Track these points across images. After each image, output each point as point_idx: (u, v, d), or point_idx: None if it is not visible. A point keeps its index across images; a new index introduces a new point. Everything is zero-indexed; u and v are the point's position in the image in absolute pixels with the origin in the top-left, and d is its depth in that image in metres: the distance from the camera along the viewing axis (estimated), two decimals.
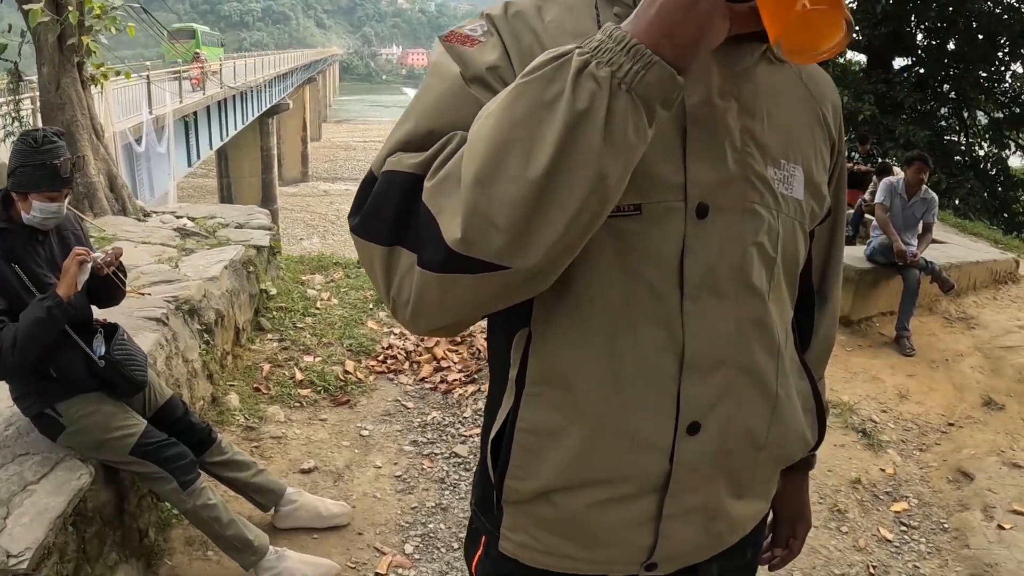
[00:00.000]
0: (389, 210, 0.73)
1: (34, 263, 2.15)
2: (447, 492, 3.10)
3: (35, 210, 2.12)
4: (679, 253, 0.81)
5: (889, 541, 3.15)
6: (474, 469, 3.15)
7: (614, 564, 0.92)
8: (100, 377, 2.21)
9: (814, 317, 1.08)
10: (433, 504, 2.99)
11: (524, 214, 0.64)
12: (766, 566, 1.25)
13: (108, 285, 2.27)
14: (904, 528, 3.28)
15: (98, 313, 2.39)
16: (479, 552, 1.01)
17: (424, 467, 3.26)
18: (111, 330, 2.33)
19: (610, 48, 0.64)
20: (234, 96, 23.68)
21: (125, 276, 2.37)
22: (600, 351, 0.82)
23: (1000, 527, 3.18)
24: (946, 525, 3.32)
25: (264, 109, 29.94)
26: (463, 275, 0.68)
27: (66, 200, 2.21)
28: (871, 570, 2.93)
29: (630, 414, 0.83)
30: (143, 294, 3.36)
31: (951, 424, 4.37)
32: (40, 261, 2.18)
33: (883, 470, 3.71)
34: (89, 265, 2.12)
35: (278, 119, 33.54)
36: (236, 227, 5.28)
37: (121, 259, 2.28)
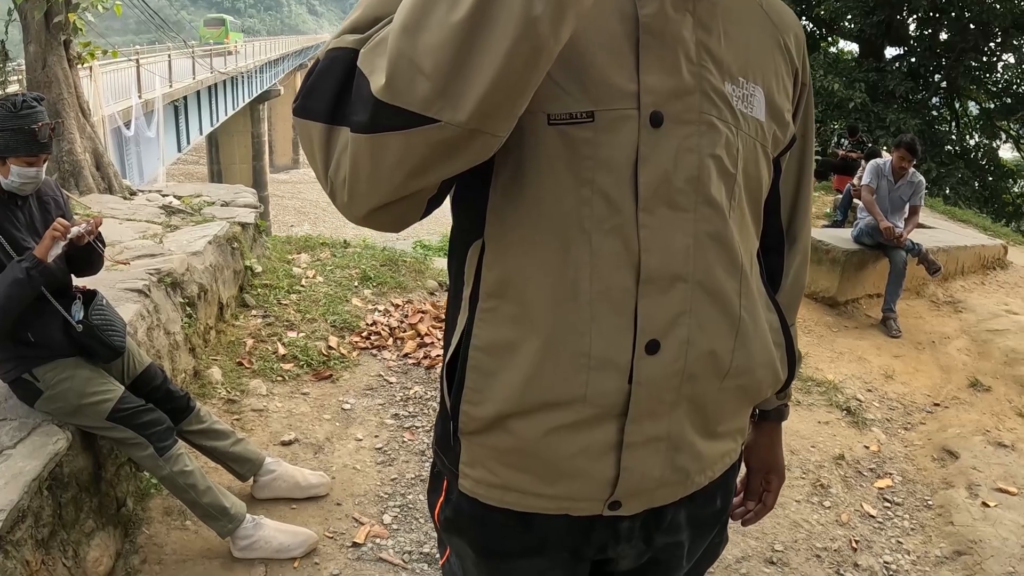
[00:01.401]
0: (329, 85, 0.70)
1: (13, 227, 2.13)
2: (427, 464, 3.08)
3: (13, 175, 2.10)
4: (633, 162, 0.79)
5: (872, 517, 3.15)
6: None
7: (576, 500, 0.89)
8: (78, 342, 2.19)
9: (783, 257, 1.06)
10: (413, 476, 2.98)
11: (450, 58, 0.61)
12: (739, 522, 1.22)
13: (87, 253, 2.26)
14: (888, 504, 3.28)
15: (80, 283, 2.37)
16: (441, 498, 0.98)
17: (405, 440, 3.25)
18: (90, 296, 2.30)
19: None
20: (224, 81, 23.51)
21: (104, 246, 2.35)
22: (553, 261, 0.80)
23: (984, 504, 3.18)
24: (930, 502, 3.32)
25: (255, 95, 29.76)
26: (392, 132, 0.65)
27: (44, 164, 2.19)
28: (853, 544, 2.93)
29: (585, 329, 0.80)
30: (123, 263, 3.33)
31: (936, 404, 4.39)
32: (19, 225, 2.15)
33: (867, 447, 3.71)
34: (62, 243, 2.10)
35: (269, 105, 33.36)
36: (222, 205, 5.23)
37: (100, 229, 2.25)
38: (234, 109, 26.17)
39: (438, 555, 1.02)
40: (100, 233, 2.28)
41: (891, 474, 3.54)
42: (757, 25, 0.91)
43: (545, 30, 0.61)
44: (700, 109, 0.81)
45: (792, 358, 0.99)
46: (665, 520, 0.96)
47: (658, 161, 0.79)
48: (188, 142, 20.48)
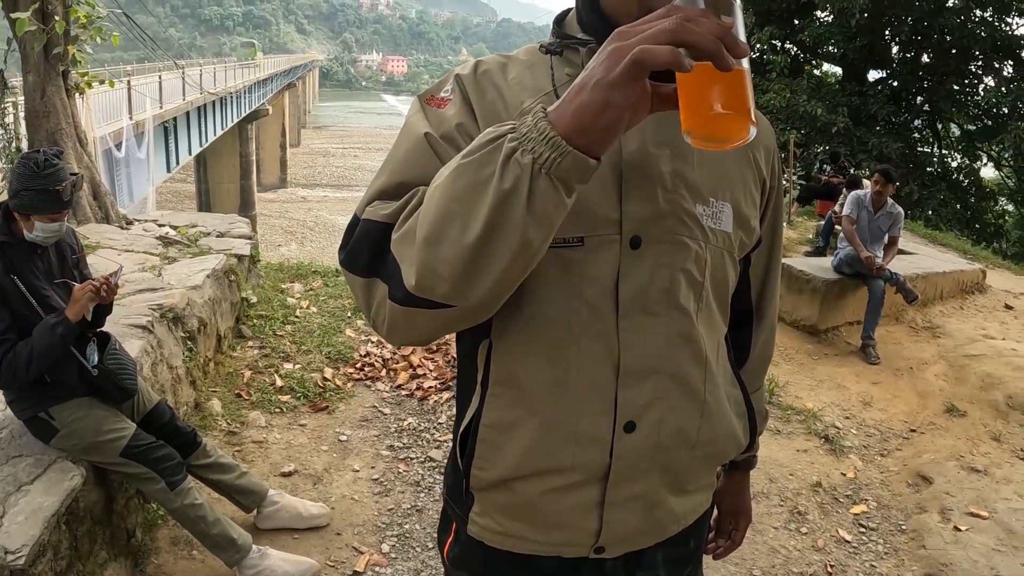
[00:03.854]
0: (366, 251, 0.88)
1: (33, 276, 2.25)
2: (422, 494, 3.20)
3: (38, 230, 2.23)
4: (615, 278, 0.94)
5: (847, 542, 3.28)
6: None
7: (566, 546, 1.04)
8: (92, 383, 2.31)
9: (752, 332, 1.23)
10: (409, 506, 3.10)
11: (463, 269, 0.78)
12: (711, 556, 1.37)
13: (107, 306, 2.41)
14: (863, 530, 3.41)
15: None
16: (450, 538, 1.14)
17: (400, 471, 3.36)
18: (103, 339, 2.42)
19: (534, 138, 0.75)
20: (214, 102, 23.65)
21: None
22: (547, 359, 0.95)
23: (956, 528, 3.31)
24: (904, 527, 3.45)
25: (244, 115, 29.89)
26: (421, 309, 0.83)
27: (66, 218, 2.31)
28: (829, 569, 3.06)
29: (574, 413, 0.96)
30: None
31: (913, 430, 4.52)
32: (39, 274, 2.27)
33: (844, 474, 3.85)
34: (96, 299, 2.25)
35: (257, 125, 33.48)
36: (217, 236, 5.35)
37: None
38: (223, 129, 26.30)
39: None
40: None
41: (867, 500, 3.67)
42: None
43: (537, 247, 0.79)
44: (673, 231, 0.96)
45: (754, 425, 1.15)
46: (644, 560, 1.11)
47: (636, 276, 0.94)
48: (177, 162, 20.58)
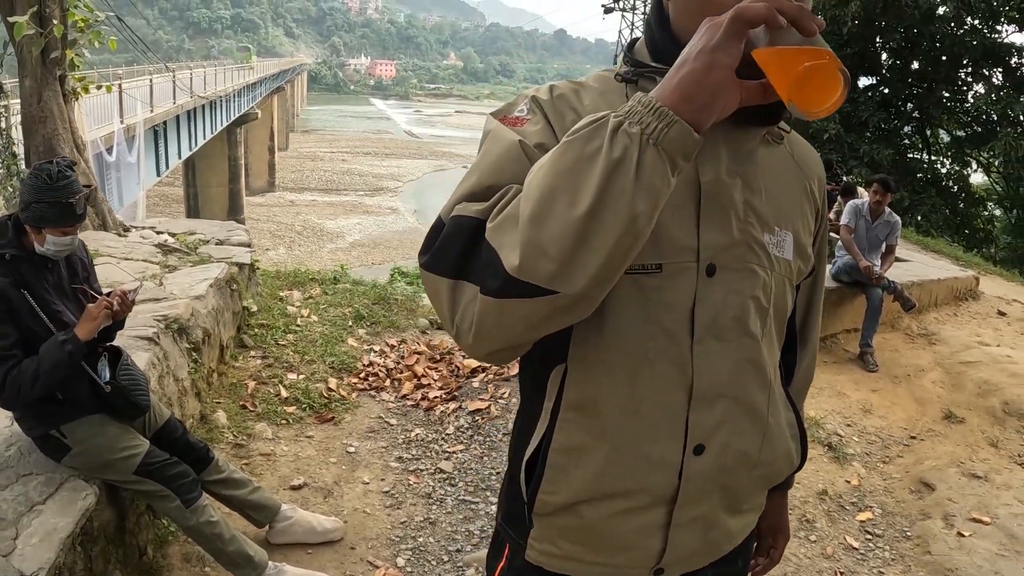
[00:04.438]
0: (456, 248, 0.86)
1: (43, 290, 2.21)
2: (434, 507, 3.20)
3: (49, 243, 2.18)
4: (691, 304, 0.97)
5: (855, 549, 3.31)
6: (484, 485, 3.22)
7: (627, 568, 1.06)
8: (104, 400, 2.28)
9: (797, 355, 1.25)
10: (422, 519, 3.09)
11: (571, 245, 0.76)
12: (751, 574, 1.39)
13: (119, 322, 2.37)
14: (869, 536, 3.44)
15: None
16: (502, 564, 1.15)
17: (411, 483, 3.36)
18: (114, 353, 2.39)
19: (639, 111, 0.78)
20: (203, 105, 23.55)
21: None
22: (624, 384, 0.97)
23: (960, 534, 3.35)
24: (909, 533, 3.49)
25: (233, 118, 29.79)
26: (519, 299, 0.80)
27: (78, 231, 2.28)
28: (839, 574, 3.08)
29: (646, 437, 0.98)
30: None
31: (913, 437, 4.56)
32: (48, 287, 2.24)
33: (848, 481, 3.87)
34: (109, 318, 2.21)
35: (246, 128, 33.37)
36: (216, 243, 5.33)
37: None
38: (212, 133, 26.20)
39: None
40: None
41: (871, 507, 3.70)
42: (789, 175, 1.10)
43: (643, 225, 0.78)
44: (745, 259, 0.99)
45: (804, 446, 1.17)
46: None
47: (711, 303, 0.97)
48: (167, 166, 20.48)
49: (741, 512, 1.12)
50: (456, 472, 3.51)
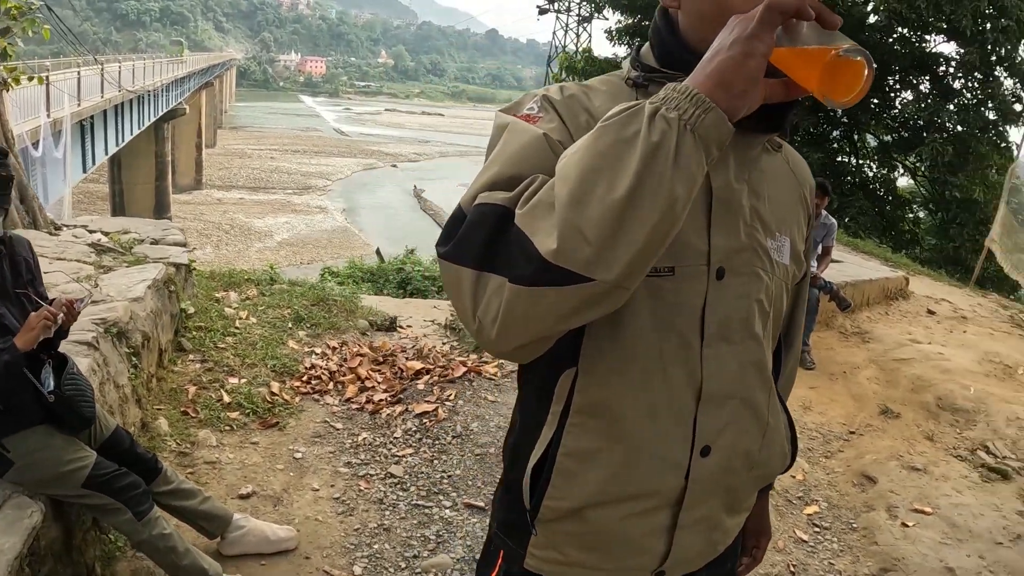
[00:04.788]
0: (480, 236, 0.83)
1: None
2: (387, 512, 3.13)
3: None
4: (701, 307, 0.98)
5: (805, 542, 3.38)
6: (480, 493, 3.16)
7: (631, 572, 1.06)
8: (48, 410, 2.14)
9: (783, 357, 1.27)
10: (375, 525, 3.02)
11: (610, 229, 0.75)
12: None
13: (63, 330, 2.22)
14: (817, 529, 3.53)
15: None
16: (494, 572, 1.13)
17: (361, 488, 3.28)
18: (59, 361, 2.25)
19: (675, 97, 0.78)
20: (132, 100, 22.78)
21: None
22: (638, 387, 0.97)
23: (904, 525, 3.47)
24: (854, 525, 3.58)
25: (161, 113, 28.92)
26: (550, 287, 0.78)
27: (2, 219, 2.15)
28: (792, 568, 3.14)
29: (658, 438, 0.99)
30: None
31: (852, 432, 4.69)
32: None
33: (793, 476, 3.96)
34: (53, 328, 2.07)
35: (173, 124, 32.45)
36: (152, 243, 5.13)
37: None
38: (140, 128, 25.40)
39: None
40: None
41: (817, 500, 3.79)
42: (787, 183, 1.12)
43: (680, 209, 0.78)
44: (751, 263, 1.01)
45: (795, 446, 1.19)
46: None
47: (720, 306, 0.99)
48: (94, 162, 19.76)
49: (739, 512, 1.15)
50: (407, 476, 3.45)
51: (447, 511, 3.23)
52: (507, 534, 1.10)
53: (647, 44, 1.07)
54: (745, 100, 0.79)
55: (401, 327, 5.55)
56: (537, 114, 0.97)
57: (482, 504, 3.27)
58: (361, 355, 4.68)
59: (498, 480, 1.18)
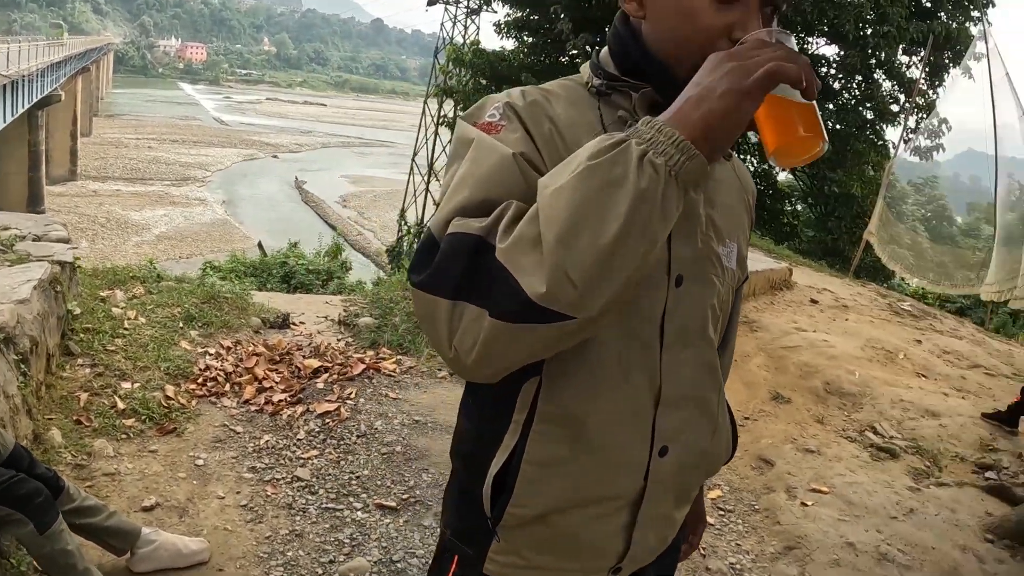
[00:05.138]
0: (457, 267, 0.83)
1: None
2: (298, 518, 3.06)
3: None
4: (661, 313, 1.02)
5: (712, 525, 3.52)
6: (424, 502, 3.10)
7: (590, 571, 1.09)
8: None
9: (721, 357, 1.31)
10: (287, 532, 2.95)
11: (596, 273, 0.77)
12: None
13: None
14: (722, 512, 3.68)
15: None
16: None
17: (269, 494, 3.20)
18: None
19: (662, 141, 0.79)
20: (5, 85, 21.25)
21: None
22: (603, 394, 1.00)
23: (803, 504, 3.66)
24: (757, 506, 3.75)
25: (35, 100, 27.12)
26: (534, 324, 0.80)
27: None
28: (702, 551, 3.26)
29: (620, 442, 1.02)
30: None
31: (747, 418, 4.90)
32: None
33: None
34: None
35: (47, 112, 30.49)
36: (34, 239, 4.81)
37: None
38: (14, 115, 23.74)
39: None
40: None
41: (720, 485, 3.94)
42: (735, 190, 1.17)
43: (658, 249, 0.81)
44: (706, 270, 1.06)
45: (736, 439, 1.26)
46: (644, 575, 1.18)
47: (678, 312, 1.03)
48: None
49: (686, 504, 1.20)
50: (315, 479, 3.38)
51: (359, 513, 3.19)
52: (464, 540, 1.11)
53: (606, 50, 1.08)
54: (725, 148, 0.84)
55: (294, 324, 5.42)
56: (499, 122, 0.96)
57: (393, 504, 3.25)
58: (257, 354, 4.55)
59: (446, 484, 1.19)
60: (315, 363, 4.46)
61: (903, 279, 12.50)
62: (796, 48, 0.85)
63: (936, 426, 4.73)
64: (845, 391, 5.09)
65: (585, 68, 1.09)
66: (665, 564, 1.25)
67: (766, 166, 16.34)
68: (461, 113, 1.06)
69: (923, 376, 5.84)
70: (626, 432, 1.02)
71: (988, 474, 4.25)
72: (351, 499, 3.27)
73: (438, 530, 3.15)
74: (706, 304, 1.07)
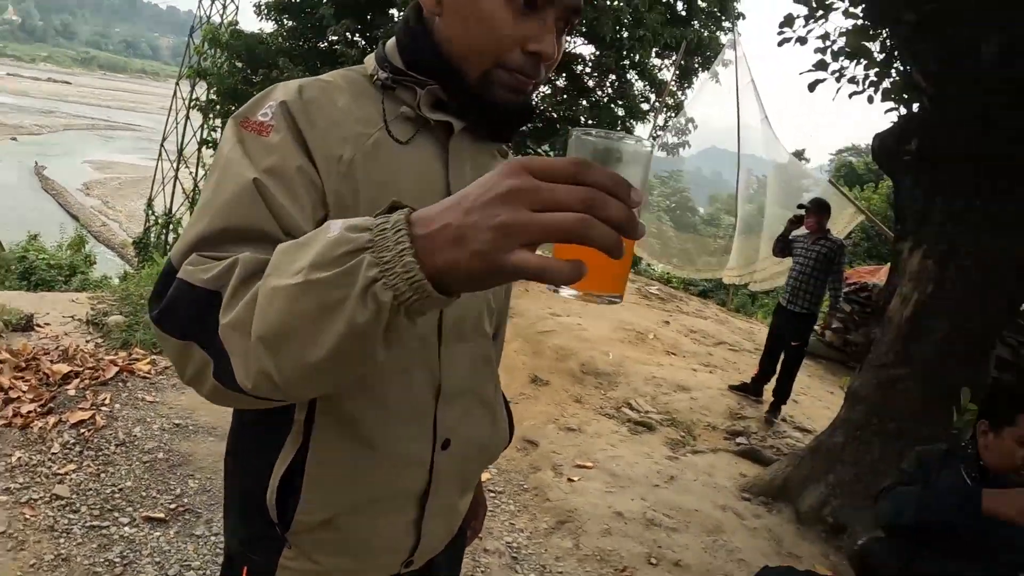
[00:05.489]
0: (184, 314, 0.80)
1: None
2: (62, 540, 2.78)
3: None
4: (440, 311, 1.02)
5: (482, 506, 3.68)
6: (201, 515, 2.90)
7: (384, 569, 1.11)
8: None
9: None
10: (52, 557, 2.67)
11: (300, 381, 0.73)
12: None
13: None
14: (493, 494, 3.84)
15: None
16: None
17: (27, 517, 2.87)
18: None
19: (398, 273, 0.65)
20: None
21: None
22: (382, 393, 1.00)
23: (570, 480, 3.95)
24: (525, 486, 3.97)
25: None
26: (251, 398, 0.78)
27: None
28: (479, 534, 3.41)
29: (403, 439, 1.03)
30: None
31: (508, 401, 5.17)
32: None
33: None
34: None
35: None
36: None
37: None
38: None
39: None
40: None
41: (488, 468, 4.14)
42: None
43: (380, 360, 0.73)
44: None
45: (512, 426, 1.32)
46: (436, 563, 1.22)
47: (456, 308, 1.02)
48: None
49: (469, 492, 1.23)
50: (75, 496, 3.09)
51: (126, 528, 2.97)
52: (251, 550, 1.08)
53: (392, 41, 1.05)
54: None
55: (39, 326, 4.87)
56: (269, 122, 0.92)
57: (162, 515, 3.07)
58: (1, 361, 4.03)
59: (224, 489, 1.15)
60: (64, 368, 4.05)
61: (649, 264, 13.72)
62: (621, 155, 0.69)
63: (688, 399, 5.31)
64: (600, 371, 5.54)
65: (370, 59, 1.06)
66: (455, 550, 1.29)
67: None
68: (235, 109, 1.01)
69: (673, 354, 6.50)
70: (408, 428, 1.03)
71: (739, 440, 4.89)
72: (116, 514, 3.03)
73: (211, 539, 3.05)
74: (482, 300, 1.11)
